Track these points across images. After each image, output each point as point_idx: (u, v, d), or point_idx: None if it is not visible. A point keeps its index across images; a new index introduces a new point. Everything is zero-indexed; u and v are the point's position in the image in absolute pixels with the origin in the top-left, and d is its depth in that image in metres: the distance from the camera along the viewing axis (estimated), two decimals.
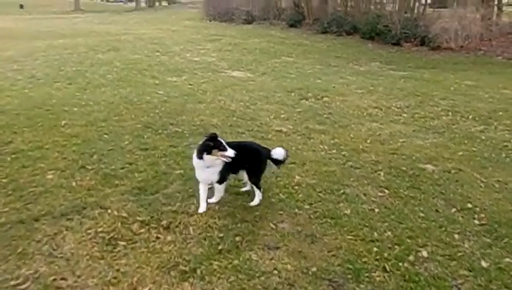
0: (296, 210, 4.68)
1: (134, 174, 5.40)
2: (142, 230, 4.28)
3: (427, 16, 18.97)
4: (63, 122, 7.17)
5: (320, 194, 5.07)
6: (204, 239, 4.18)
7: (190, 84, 10.99)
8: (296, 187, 5.22)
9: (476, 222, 4.61)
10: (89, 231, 4.21)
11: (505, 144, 7.08)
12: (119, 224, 4.34)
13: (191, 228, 4.37)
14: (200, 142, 4.40)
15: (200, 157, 4.36)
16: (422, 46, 17.04)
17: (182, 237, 4.21)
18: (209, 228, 4.35)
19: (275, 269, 3.74)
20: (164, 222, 4.42)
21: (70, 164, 5.58)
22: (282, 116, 8.28)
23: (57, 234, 4.14)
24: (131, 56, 14.17)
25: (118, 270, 3.70)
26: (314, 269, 3.74)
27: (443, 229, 4.44)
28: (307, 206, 4.78)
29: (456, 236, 4.32)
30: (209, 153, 4.31)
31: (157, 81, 11.16)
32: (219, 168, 4.50)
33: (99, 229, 4.24)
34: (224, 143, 4.34)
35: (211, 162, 4.39)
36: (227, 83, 11.27)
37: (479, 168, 5.98)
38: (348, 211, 4.70)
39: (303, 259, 3.88)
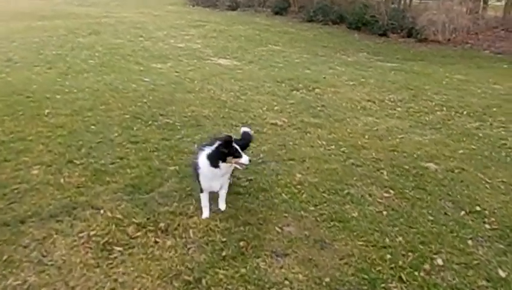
0: (302, 212, 4.44)
1: (126, 170, 5.06)
2: (139, 233, 3.98)
3: (414, 8, 18.82)
4: (46, 110, 6.75)
5: (324, 195, 4.83)
6: (207, 244, 3.91)
7: (176, 72, 10.59)
8: (299, 187, 4.96)
9: (487, 226, 4.44)
10: (81, 235, 3.89)
11: (503, 142, 6.94)
12: (114, 227, 4.02)
13: (191, 231, 4.08)
14: (213, 148, 4.04)
15: (216, 165, 4.02)
16: (409, 38, 16.90)
17: (183, 241, 3.92)
18: (210, 232, 4.07)
19: (286, 279, 3.50)
20: (162, 225, 4.12)
21: (57, 158, 5.21)
22: (276, 108, 7.99)
23: (46, 238, 3.81)
24: (113, 40, 13.63)
25: (115, 280, 3.40)
26: (327, 279, 3.50)
27: (455, 234, 4.25)
28: (312, 208, 4.54)
29: (470, 242, 4.14)
30: (224, 160, 3.98)
31: (141, 68, 10.72)
32: (230, 174, 4.20)
33: (92, 233, 3.92)
34: (239, 149, 4.02)
35: (226, 169, 4.07)
36: (215, 71, 10.90)
37: (481, 167, 5.82)
38: (355, 214, 4.46)
39: (314, 267, 3.63)
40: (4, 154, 5.25)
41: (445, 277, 3.66)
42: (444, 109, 8.70)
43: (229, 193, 4.59)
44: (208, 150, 4.12)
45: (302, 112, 7.88)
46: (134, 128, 6.37)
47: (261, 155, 5.63)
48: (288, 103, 8.43)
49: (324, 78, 10.79)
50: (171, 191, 4.66)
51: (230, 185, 4.63)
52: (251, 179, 5.04)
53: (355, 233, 4.14)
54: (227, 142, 3.99)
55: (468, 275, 3.70)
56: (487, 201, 4.93)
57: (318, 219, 4.35)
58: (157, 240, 3.92)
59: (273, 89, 9.47)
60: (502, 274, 3.72)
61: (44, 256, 3.59)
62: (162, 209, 4.34)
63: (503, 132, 7.48)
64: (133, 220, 4.14)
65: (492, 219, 4.56)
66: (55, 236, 3.83)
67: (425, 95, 9.61)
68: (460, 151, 6.39)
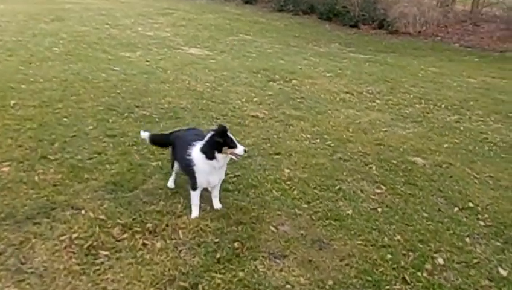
0: (296, 210, 4.28)
1: (106, 166, 4.77)
2: (125, 235, 3.72)
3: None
4: (12, 101, 6.32)
5: (315, 191, 4.69)
6: (199, 245, 3.70)
7: (147, 61, 10.21)
8: (289, 182, 4.80)
9: (482, 223, 4.41)
10: (62, 238, 3.60)
11: (484, 136, 7.00)
12: (97, 228, 3.75)
13: (180, 232, 3.86)
14: (207, 139, 3.81)
15: (212, 157, 3.80)
16: (381, 30, 16.99)
17: (173, 243, 3.69)
18: (201, 232, 3.86)
19: (287, 282, 3.33)
20: (149, 225, 3.87)
21: (28, 154, 4.85)
22: (255, 99, 7.80)
23: (23, 243, 3.49)
24: (78, 28, 13.05)
25: (104, 288, 3.15)
26: (330, 282, 3.36)
27: (451, 231, 4.20)
28: (305, 205, 4.39)
29: (467, 240, 4.09)
30: (220, 151, 3.76)
31: (110, 57, 10.29)
32: (225, 166, 3.98)
33: (75, 236, 3.64)
34: (234, 139, 3.80)
35: (223, 161, 3.86)
36: (187, 60, 10.59)
37: (468, 162, 5.82)
38: (350, 211, 4.34)
39: (315, 270, 3.49)
40: None
41: (448, 277, 3.57)
42: (423, 101, 8.72)
43: (221, 190, 4.36)
44: (200, 143, 3.89)
45: (282, 103, 7.72)
46: (110, 120, 6.04)
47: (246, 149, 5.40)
48: (267, 94, 8.24)
49: (300, 69, 10.66)
50: (155, 189, 4.40)
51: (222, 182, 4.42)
52: (239, 175, 4.85)
53: (352, 232, 4.00)
54: (222, 132, 3.78)
55: (471, 274, 3.63)
56: (478, 197, 4.90)
57: (313, 217, 4.19)
58: (146, 242, 3.68)
59: (250, 80, 9.26)
60: (503, 273, 3.67)
61: (23, 263, 3.29)
62: (148, 209, 4.08)
63: (482, 126, 7.54)
64: (118, 220, 3.88)
65: (486, 216, 4.53)
66: (33, 240, 3.52)
67: (403, 88, 9.62)
68: (445, 145, 6.37)
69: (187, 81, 8.57)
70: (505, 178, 5.41)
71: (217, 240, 3.76)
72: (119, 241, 3.66)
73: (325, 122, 6.90)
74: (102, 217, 3.91)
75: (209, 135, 3.84)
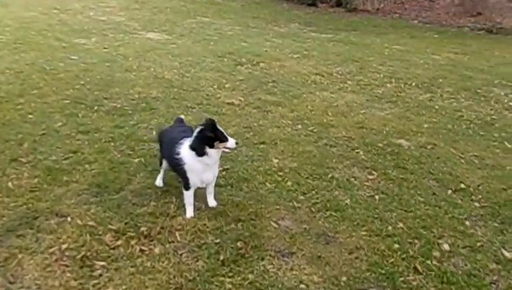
0: (294, 203, 4.18)
1: (84, 166, 4.48)
2: (119, 242, 3.51)
3: None
4: None
5: (309, 181, 4.60)
6: (199, 247, 3.54)
7: (105, 48, 9.77)
8: (281, 173, 4.69)
9: (477, 204, 4.46)
10: (51, 250, 3.35)
11: (460, 114, 7.11)
12: (88, 236, 3.51)
13: (177, 234, 3.67)
14: (195, 135, 3.60)
15: (202, 153, 3.60)
16: (339, 8, 17.04)
17: (171, 247, 3.51)
18: (199, 233, 3.69)
19: (301, 282, 3.23)
20: (143, 229, 3.67)
21: None
22: (227, 85, 7.60)
23: (9, 260, 3.22)
24: (24, 13, 12.31)
25: None
26: (343, 278, 3.28)
27: (450, 215, 4.22)
28: (302, 197, 4.29)
29: (467, 223, 4.13)
30: (212, 146, 3.56)
31: (64, 44, 9.78)
32: (218, 162, 3.80)
33: (64, 246, 3.39)
34: (224, 132, 3.62)
35: (216, 156, 3.66)
36: (147, 46, 10.22)
37: (450, 142, 5.89)
38: (348, 201, 4.28)
39: (326, 266, 3.39)
40: None
41: (457, 263, 3.58)
42: (393, 80, 8.77)
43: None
44: (188, 140, 3.69)
45: (256, 88, 7.56)
46: (80, 115, 5.71)
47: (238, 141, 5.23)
48: (238, 79, 8.06)
49: (266, 51, 10.51)
50: (143, 188, 4.18)
51: None
52: (228, 168, 4.68)
53: (355, 223, 3.94)
54: (212, 126, 3.60)
55: (478, 259, 3.65)
56: (468, 177, 4.95)
57: (312, 209, 4.10)
58: (143, 248, 3.47)
59: (217, 64, 9.03)
60: (508, 255, 3.72)
61: (12, 282, 3.03)
62: (139, 211, 3.87)
63: (455, 103, 7.66)
64: (109, 226, 3.64)
65: (479, 197, 4.58)
66: (20, 256, 3.25)
67: (372, 67, 9.65)
68: (425, 125, 6.42)
69: (152, 69, 8.26)
70: (489, 157, 5.49)
71: (217, 241, 3.60)
72: (113, 249, 3.44)
73: (303, 107, 6.80)
74: (91, 223, 3.66)
75: (198, 130, 3.64)
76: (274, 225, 3.84)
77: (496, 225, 4.16)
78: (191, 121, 5.67)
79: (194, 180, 3.75)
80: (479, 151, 5.62)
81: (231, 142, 3.64)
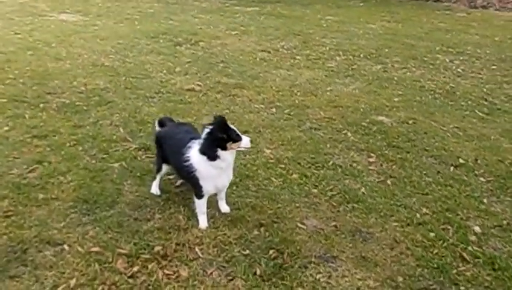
0: (311, 198, 3.93)
1: (58, 178, 3.90)
2: (136, 268, 3.04)
3: None
4: None
5: (314, 171, 4.38)
6: (227, 262, 3.17)
7: (17, 34, 8.84)
8: (282, 165, 4.41)
9: (482, 179, 4.50)
10: None
11: (419, 84, 7.24)
12: (97, 266, 3.00)
13: (197, 250, 3.28)
14: (204, 136, 3.17)
15: (215, 157, 3.18)
16: None
17: (198, 265, 3.10)
18: (222, 245, 3.31)
19: (358, 288, 2.98)
20: (158, 249, 3.21)
21: None
22: (177, 69, 7.13)
23: None
24: None
25: None
26: (399, 278, 3.10)
27: (465, 194, 4.21)
28: (315, 190, 4.06)
29: (485, 201, 4.10)
30: (225, 148, 3.16)
31: None
32: (232, 164, 3.38)
33: (73, 283, 2.87)
34: (236, 130, 3.22)
35: (229, 158, 3.30)
36: (66, 29, 9.35)
37: (427, 114, 5.94)
38: (363, 189, 4.12)
39: (376, 267, 3.19)
40: None
41: (495, 245, 3.55)
42: (341, 53, 8.78)
43: None
44: (197, 143, 3.26)
45: (208, 71, 7.16)
46: (26, 116, 4.98)
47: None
48: (184, 62, 7.60)
49: (200, 29, 10.12)
50: (140, 199, 3.71)
51: None
52: None
53: (381, 213, 3.78)
54: (224, 125, 3.20)
55: None
56: (461, 151, 4.99)
57: (332, 203, 3.88)
58: (166, 271, 3.04)
59: (153, 46, 8.49)
60: None
61: None
62: (146, 227, 3.39)
63: (409, 73, 7.80)
64: (118, 250, 3.15)
65: (482, 171, 4.63)
66: None
67: (315, 40, 9.58)
68: (395, 99, 6.43)
69: (85, 55, 7.55)
70: (469, 127, 5.58)
71: (246, 252, 3.26)
72: (131, 277, 2.97)
73: (267, 88, 6.52)
74: (95, 249, 3.16)
75: (207, 131, 3.22)
76: (301, 225, 3.56)
77: (509, 199, 4.15)
78: (158, 114, 5.17)
79: (208, 187, 3.34)
80: (458, 122, 5.69)
81: (245, 141, 3.27)
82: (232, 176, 3.49)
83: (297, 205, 3.79)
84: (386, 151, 4.82)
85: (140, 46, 8.36)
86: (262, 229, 3.49)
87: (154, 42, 8.71)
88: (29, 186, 3.73)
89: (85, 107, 5.29)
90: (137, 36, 9.04)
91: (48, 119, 4.90)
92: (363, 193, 4.03)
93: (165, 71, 6.91)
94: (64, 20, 10.40)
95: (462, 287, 3.08)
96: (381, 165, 4.57)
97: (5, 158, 4.10)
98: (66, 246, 3.14)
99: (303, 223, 3.58)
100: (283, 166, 4.36)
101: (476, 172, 4.58)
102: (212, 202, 3.64)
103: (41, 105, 5.25)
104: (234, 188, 3.96)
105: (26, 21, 9.89)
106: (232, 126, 3.24)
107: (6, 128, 4.64)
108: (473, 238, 3.57)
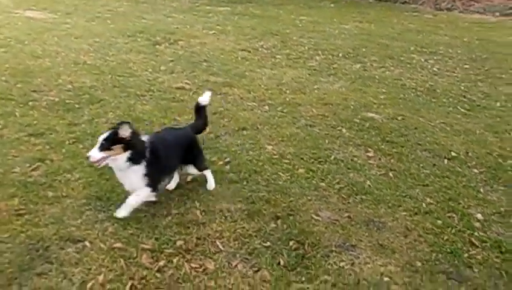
0: (321, 191, 4.07)
1: (65, 176, 3.91)
2: (162, 263, 3.12)
3: None
4: None
5: (318, 166, 4.53)
6: (250, 254, 3.28)
7: None
8: (286, 161, 4.55)
9: (475, 170, 4.76)
10: (89, 286, 2.82)
11: (400, 82, 7.52)
12: (123, 262, 3.04)
13: (218, 243, 3.38)
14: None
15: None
16: None
17: (223, 258, 3.19)
18: (242, 238, 3.42)
19: (382, 274, 3.16)
20: (180, 243, 3.29)
21: None
22: (162, 68, 7.14)
23: None
24: None
25: None
26: (418, 263, 3.30)
27: (463, 184, 4.45)
28: (323, 184, 4.22)
29: (481, 190, 4.34)
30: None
31: None
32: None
33: (101, 278, 2.90)
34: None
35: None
36: (36, 27, 9.23)
37: (414, 111, 6.18)
38: (368, 182, 4.29)
39: (394, 253, 3.38)
40: None
41: (498, 231, 3.78)
42: (320, 52, 8.99)
43: (226, 182, 3.97)
44: None
45: (194, 70, 7.22)
46: (17, 114, 4.92)
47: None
48: (167, 60, 7.62)
49: (177, 28, 10.16)
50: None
51: (218, 173, 4.08)
52: (229, 161, 4.38)
53: (389, 204, 3.97)
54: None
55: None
56: (452, 145, 5.25)
57: (342, 195, 4.04)
58: (192, 265, 3.11)
59: (132, 45, 8.47)
60: None
61: None
62: (165, 223, 3.47)
63: (388, 72, 8.08)
64: (141, 245, 3.21)
65: (473, 163, 4.89)
66: None
67: (292, 40, 9.76)
68: (381, 96, 6.67)
69: (63, 53, 7.50)
70: (455, 123, 5.87)
71: (266, 244, 3.36)
72: (159, 271, 3.03)
73: (256, 86, 6.65)
74: (118, 245, 3.19)
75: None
76: (315, 217, 3.70)
77: (502, 188, 4.41)
78: (153, 112, 5.23)
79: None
80: (443, 118, 5.96)
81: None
82: (131, 188, 3.49)
83: (308, 198, 3.92)
84: (382, 146, 5.01)
85: (119, 44, 8.34)
86: (279, 221, 3.60)
87: (132, 41, 8.69)
88: (36, 184, 3.72)
89: (77, 105, 5.27)
90: (113, 35, 9.00)
91: (40, 118, 4.87)
92: (369, 185, 4.20)
93: (150, 70, 6.93)
94: (32, 17, 10.24)
95: (475, 269, 3.26)
96: (379, 159, 4.76)
97: (4, 156, 4.06)
98: (87, 243, 3.16)
99: (317, 215, 3.71)
100: (287, 161, 4.49)
101: (469, 164, 4.83)
102: (227, 197, 3.72)
103: (30, 103, 5.21)
104: (244, 183, 4.06)
105: None
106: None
107: (3, 125, 4.57)
108: (477, 224, 3.78)
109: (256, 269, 3.13)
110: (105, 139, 3.17)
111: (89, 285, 2.85)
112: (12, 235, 3.16)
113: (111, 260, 3.05)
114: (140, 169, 3.32)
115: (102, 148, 3.15)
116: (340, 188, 4.10)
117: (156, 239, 3.29)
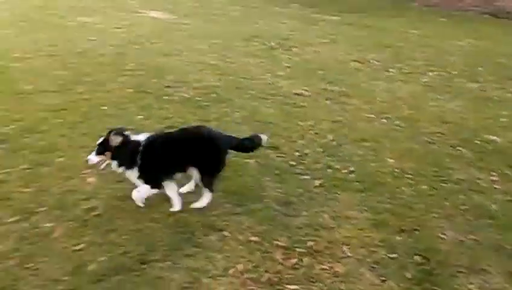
0: (446, 210, 4.06)
1: None
2: (294, 260, 3.39)
3: None
4: (25, 86, 5.32)
5: (441, 184, 4.59)
6: (377, 263, 3.40)
7: (118, 28, 9.35)
8: (408, 176, 4.65)
9: None
10: (230, 272, 3.09)
11: None
12: (259, 255, 3.32)
13: (345, 248, 3.59)
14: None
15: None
16: None
17: (352, 264, 3.33)
18: (368, 247, 3.58)
19: None
20: (310, 244, 3.55)
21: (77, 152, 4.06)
22: (279, 73, 7.43)
23: (194, 284, 3.04)
24: None
25: None
26: None
27: None
28: (446, 203, 4.27)
29: None
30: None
31: (70, 23, 9.37)
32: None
33: (240, 268, 3.20)
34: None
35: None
36: (159, 26, 9.88)
37: None
38: (494, 207, 4.27)
39: None
40: None
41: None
42: (433, 68, 8.75)
43: (352, 191, 4.12)
44: None
45: (311, 77, 7.34)
46: (154, 106, 5.37)
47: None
48: (284, 66, 7.87)
49: (291, 35, 10.27)
50: (283, 196, 3.97)
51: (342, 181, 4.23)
52: (353, 171, 4.49)
53: None
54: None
55: None
56: None
57: (467, 217, 4.01)
58: (323, 267, 3.26)
59: (249, 48, 8.81)
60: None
61: None
62: (295, 223, 3.70)
63: (508, 94, 7.72)
64: (276, 242, 3.42)
65: None
66: (204, 280, 3.00)
67: (404, 54, 9.64)
68: (502, 119, 6.45)
69: (186, 52, 8.13)
70: None
71: (392, 255, 3.43)
72: (292, 268, 3.19)
73: (371, 98, 6.72)
74: (254, 239, 3.42)
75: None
76: (440, 235, 3.72)
77: None
78: (277, 115, 5.44)
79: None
80: None
81: None
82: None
83: (433, 215, 3.95)
84: (507, 171, 4.88)
85: (236, 47, 8.68)
86: (404, 234, 3.66)
87: (249, 45, 9.03)
88: None
89: (205, 103, 5.63)
90: (230, 37, 9.36)
91: (175, 112, 5.28)
92: (495, 209, 4.14)
93: (269, 74, 7.18)
94: (155, 17, 10.94)
95: None
96: (506, 184, 4.63)
97: None
98: (227, 233, 3.43)
99: (443, 233, 3.72)
100: (409, 176, 4.52)
101: None
102: (353, 205, 3.84)
103: (165, 97, 5.63)
104: (370, 193, 4.15)
105: (120, 16, 10.46)
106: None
107: (140, 116, 5.01)
108: None
109: (383, 278, 3.22)
110: (99, 145, 3.43)
111: (230, 271, 3.08)
112: (162, 218, 3.46)
113: (248, 252, 3.28)
114: (133, 173, 3.53)
115: (98, 152, 3.44)
116: (466, 210, 4.07)
117: (288, 237, 3.47)
